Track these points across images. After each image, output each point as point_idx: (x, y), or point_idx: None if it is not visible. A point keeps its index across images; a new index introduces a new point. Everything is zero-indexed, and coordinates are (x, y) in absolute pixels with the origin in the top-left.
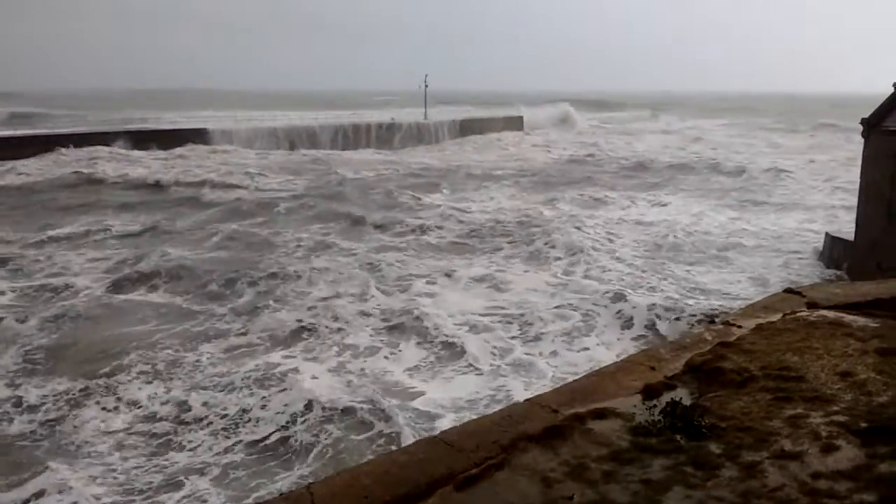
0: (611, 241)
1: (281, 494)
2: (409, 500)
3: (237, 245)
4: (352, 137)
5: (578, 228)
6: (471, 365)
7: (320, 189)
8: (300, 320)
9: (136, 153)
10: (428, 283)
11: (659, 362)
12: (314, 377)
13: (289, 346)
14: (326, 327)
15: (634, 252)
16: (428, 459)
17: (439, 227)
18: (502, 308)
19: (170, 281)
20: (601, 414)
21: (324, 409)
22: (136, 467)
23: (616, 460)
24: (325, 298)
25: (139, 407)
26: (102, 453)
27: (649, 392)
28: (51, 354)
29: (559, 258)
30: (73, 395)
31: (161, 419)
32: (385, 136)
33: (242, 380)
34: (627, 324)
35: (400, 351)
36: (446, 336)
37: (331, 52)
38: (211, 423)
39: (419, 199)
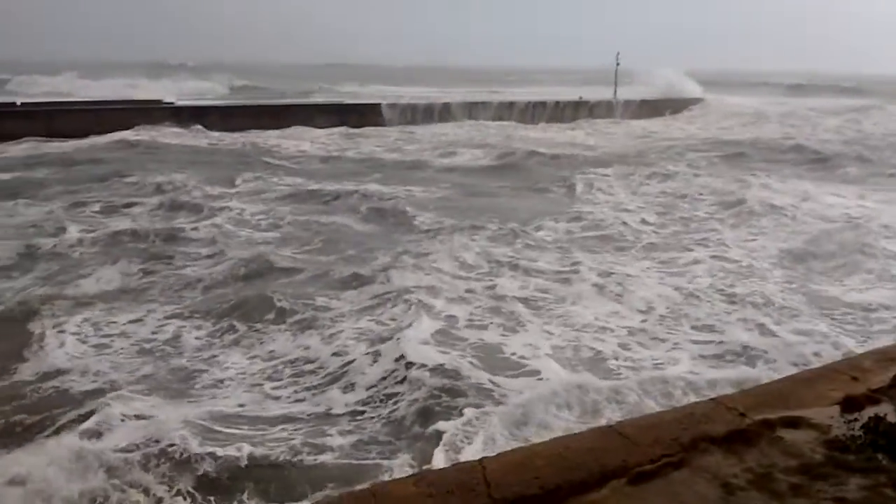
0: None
1: (454, 464)
2: (580, 488)
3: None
4: (533, 113)
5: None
6: None
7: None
8: None
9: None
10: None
11: (862, 373)
12: None
13: None
14: None
15: None
16: (602, 449)
17: None
18: None
19: None
20: (793, 422)
21: None
22: None
23: (807, 474)
24: None
25: None
26: None
27: (849, 404)
28: None
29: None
30: None
31: None
32: (569, 113)
33: None
34: None
35: None
36: None
37: (502, 25)
38: None
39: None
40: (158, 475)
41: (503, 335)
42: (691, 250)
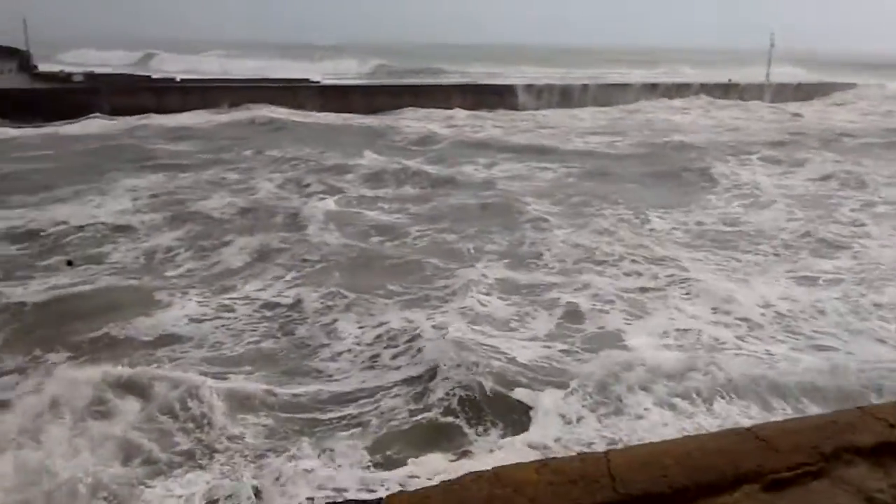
0: None
1: (578, 454)
2: (710, 490)
3: None
4: (676, 96)
5: None
6: None
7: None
8: None
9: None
10: None
11: None
12: None
13: None
14: None
15: None
16: (736, 451)
17: None
18: None
19: None
20: None
21: None
22: None
23: None
24: None
25: None
26: None
27: None
28: None
29: None
30: None
31: None
32: (717, 96)
33: None
34: None
35: None
36: None
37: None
38: None
39: None
40: None
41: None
42: (835, 250)
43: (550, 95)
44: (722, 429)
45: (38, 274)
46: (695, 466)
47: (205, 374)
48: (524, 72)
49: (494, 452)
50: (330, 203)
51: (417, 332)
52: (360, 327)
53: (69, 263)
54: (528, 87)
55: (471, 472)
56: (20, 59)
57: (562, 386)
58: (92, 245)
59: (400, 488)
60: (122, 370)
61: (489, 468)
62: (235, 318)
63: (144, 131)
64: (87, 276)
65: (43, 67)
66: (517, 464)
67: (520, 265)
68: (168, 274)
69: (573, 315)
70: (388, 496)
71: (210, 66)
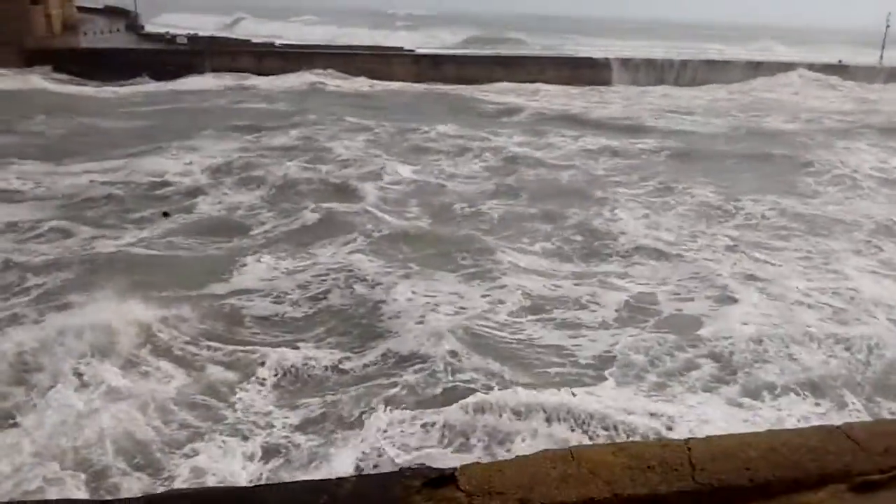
0: None
1: (658, 439)
2: (794, 486)
3: None
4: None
5: None
6: None
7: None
8: None
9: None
10: None
11: None
12: None
13: None
14: None
15: None
16: (823, 449)
17: None
18: None
19: None
20: None
21: None
22: None
23: None
24: None
25: None
26: None
27: None
28: None
29: None
30: None
31: None
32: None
33: None
34: None
35: None
36: None
37: None
38: None
39: None
40: None
41: None
42: None
43: (647, 71)
44: (811, 425)
45: (132, 224)
46: (779, 462)
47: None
48: (617, 45)
49: None
50: (407, 170)
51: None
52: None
53: (165, 214)
54: (624, 62)
55: (546, 450)
56: (128, 19)
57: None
58: (185, 198)
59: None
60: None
61: (565, 447)
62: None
63: (240, 93)
64: (178, 225)
65: (148, 28)
66: (594, 444)
67: (589, 251)
68: (252, 233)
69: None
70: (461, 466)
71: (294, 32)
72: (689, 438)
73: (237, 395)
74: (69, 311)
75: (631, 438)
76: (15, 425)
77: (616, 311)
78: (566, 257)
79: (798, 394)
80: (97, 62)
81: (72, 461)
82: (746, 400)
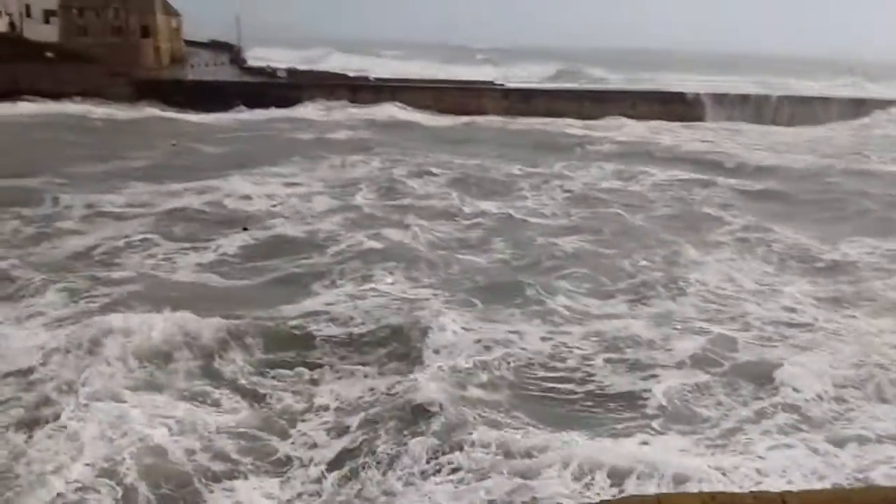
0: None
1: (751, 492)
2: None
3: None
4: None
5: None
6: None
7: None
8: None
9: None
10: None
11: None
12: None
13: None
14: None
15: None
16: None
17: None
18: None
19: None
20: None
21: None
22: None
23: None
24: None
25: None
26: None
27: None
28: None
29: None
30: None
31: None
32: None
33: None
34: None
35: None
36: None
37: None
38: None
39: None
40: None
41: None
42: None
43: (742, 108)
44: None
45: (217, 237)
46: None
47: None
48: (701, 80)
49: None
50: (489, 204)
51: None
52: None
53: (245, 229)
54: (718, 98)
55: (634, 495)
56: (231, 53)
57: None
58: (266, 217)
59: None
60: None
61: (652, 494)
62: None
63: (332, 125)
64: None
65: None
66: (682, 493)
67: (666, 292)
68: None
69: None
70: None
71: (383, 67)
72: (785, 492)
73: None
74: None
75: (717, 489)
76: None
77: (690, 355)
78: (642, 295)
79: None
80: (202, 93)
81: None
82: (829, 448)
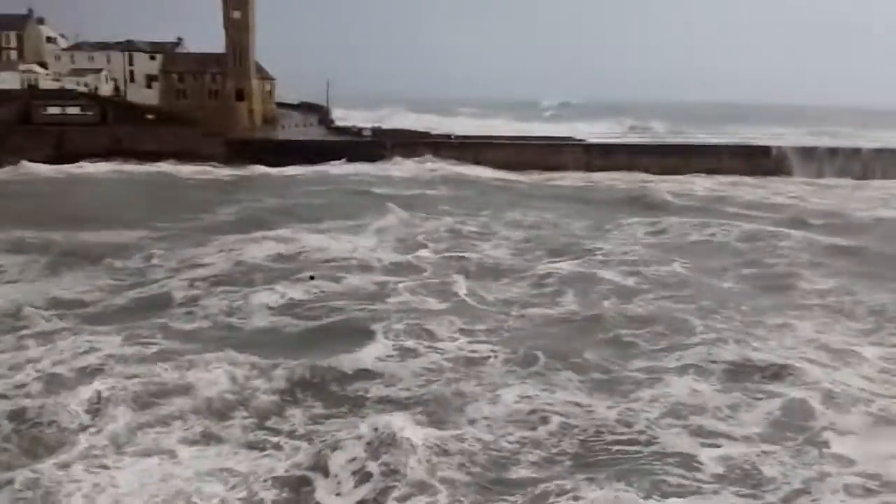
0: None
1: None
2: None
3: None
4: None
5: None
6: None
7: None
8: None
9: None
10: None
11: None
12: None
13: None
14: None
15: None
16: None
17: None
18: None
19: None
20: None
21: None
22: None
23: None
24: None
25: None
26: None
27: None
28: None
29: None
30: None
31: None
32: None
33: None
34: None
35: None
36: None
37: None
38: None
39: None
40: None
41: None
42: None
43: (832, 161)
44: None
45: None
46: None
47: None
48: (781, 132)
49: None
50: (563, 266)
51: None
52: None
53: (311, 278)
54: (806, 152)
55: None
56: (320, 113)
57: None
58: (335, 268)
59: None
60: None
61: None
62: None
63: (411, 181)
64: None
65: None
66: None
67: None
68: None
69: None
70: None
71: (460, 124)
72: None
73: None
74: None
75: None
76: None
77: (763, 422)
78: (713, 358)
79: None
80: (291, 151)
81: None
82: None
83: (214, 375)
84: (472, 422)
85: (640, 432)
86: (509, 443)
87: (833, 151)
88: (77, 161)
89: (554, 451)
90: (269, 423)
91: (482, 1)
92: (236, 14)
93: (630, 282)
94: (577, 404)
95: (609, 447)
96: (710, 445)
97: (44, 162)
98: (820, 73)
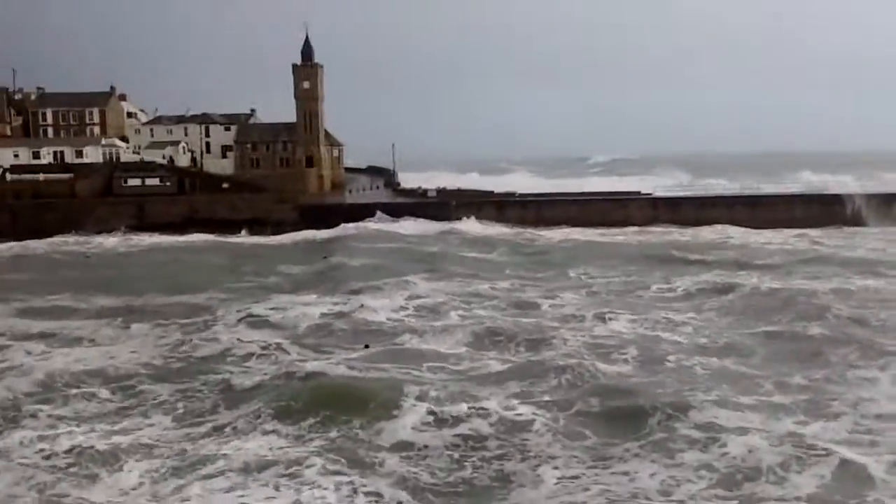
0: None
1: None
2: None
3: None
4: None
5: None
6: None
7: None
8: None
9: None
10: None
11: None
12: None
13: None
14: None
15: None
16: None
17: None
18: None
19: None
20: None
21: None
22: None
23: None
24: None
25: None
26: None
27: None
28: None
29: None
30: None
31: None
32: None
33: None
34: None
35: None
36: None
37: None
38: None
39: None
40: None
41: None
42: None
43: None
44: None
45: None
46: None
47: None
48: (846, 180)
49: None
50: (623, 322)
51: None
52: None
53: (366, 346)
54: (884, 199)
55: None
56: (386, 176)
57: None
58: (390, 335)
59: None
60: None
61: None
62: None
63: (470, 241)
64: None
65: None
66: None
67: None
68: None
69: None
70: None
71: (518, 182)
72: None
73: None
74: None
75: None
76: None
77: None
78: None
79: None
80: (359, 214)
81: None
82: None
83: None
84: None
85: None
86: None
87: None
88: (157, 230)
89: None
90: None
91: (534, 68)
92: (306, 84)
93: (696, 342)
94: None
95: None
96: None
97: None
98: (857, 116)
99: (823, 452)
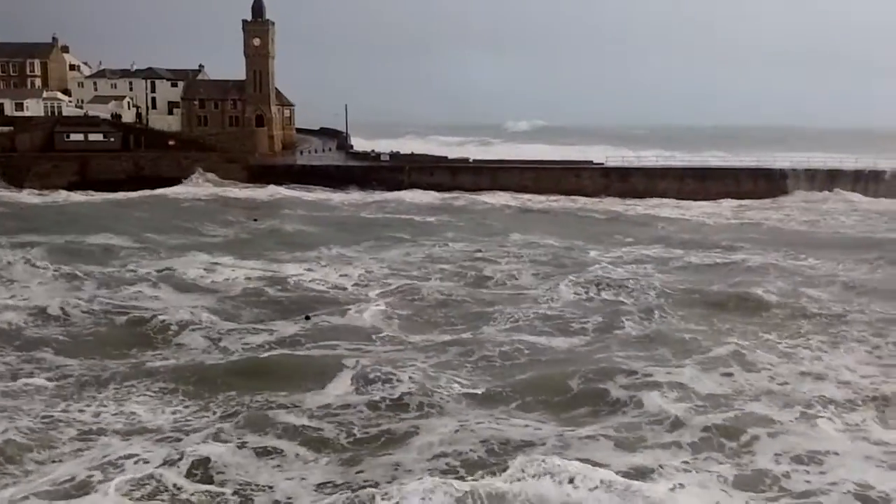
0: None
1: None
2: None
3: None
4: None
5: None
6: None
7: None
8: None
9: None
10: None
11: None
12: None
13: None
14: None
15: None
16: None
17: None
18: None
19: None
20: None
21: None
22: None
23: None
24: None
25: None
26: None
27: None
28: None
29: None
30: None
31: None
32: None
33: None
34: None
35: None
36: None
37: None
38: None
39: None
40: None
41: None
42: None
43: (854, 184)
44: None
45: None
46: None
47: None
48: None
49: None
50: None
51: None
52: None
53: (307, 318)
54: (811, 174)
55: None
56: (339, 139)
57: None
58: (331, 303)
59: None
60: None
61: None
62: None
63: (429, 208)
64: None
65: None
66: None
67: None
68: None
69: None
70: None
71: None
72: None
73: None
74: None
75: None
76: None
77: None
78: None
79: None
80: (309, 176)
81: None
82: None
83: None
84: None
85: None
86: None
87: (858, 174)
88: (100, 188)
89: None
90: None
91: (499, 35)
92: (256, 41)
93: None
94: None
95: None
96: None
97: (67, 189)
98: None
99: None
